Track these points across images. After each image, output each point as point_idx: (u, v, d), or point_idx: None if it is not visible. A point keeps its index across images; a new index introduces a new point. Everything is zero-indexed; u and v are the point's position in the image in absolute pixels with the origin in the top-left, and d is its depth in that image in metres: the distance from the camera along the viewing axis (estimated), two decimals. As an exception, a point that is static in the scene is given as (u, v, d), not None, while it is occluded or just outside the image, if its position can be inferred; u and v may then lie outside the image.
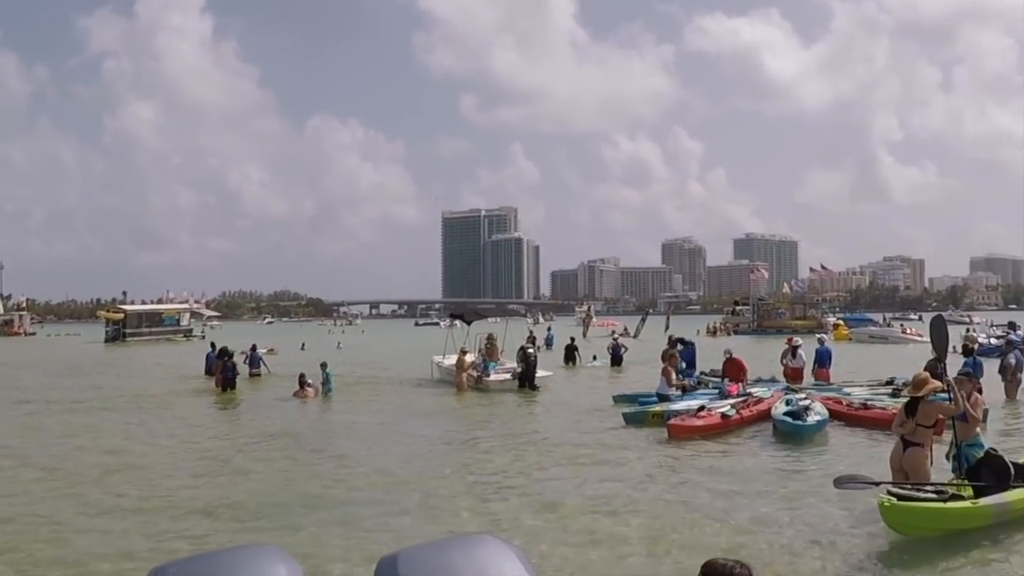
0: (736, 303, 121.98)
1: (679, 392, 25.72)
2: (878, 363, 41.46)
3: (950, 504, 11.93)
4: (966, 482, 12.79)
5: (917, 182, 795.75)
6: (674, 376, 25.83)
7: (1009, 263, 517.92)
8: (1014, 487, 12.45)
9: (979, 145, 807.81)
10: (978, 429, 14.19)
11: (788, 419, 20.79)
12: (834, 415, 22.45)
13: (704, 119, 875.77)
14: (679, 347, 31.89)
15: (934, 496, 12.01)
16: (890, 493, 11.89)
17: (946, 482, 12.82)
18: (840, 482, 13.02)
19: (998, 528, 12.00)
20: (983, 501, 12.12)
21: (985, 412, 16.52)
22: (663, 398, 24.76)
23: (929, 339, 16.22)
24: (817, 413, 21.44)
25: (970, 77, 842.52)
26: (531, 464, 18.20)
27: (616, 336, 57.90)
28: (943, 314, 17.96)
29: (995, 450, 13.27)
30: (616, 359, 46.48)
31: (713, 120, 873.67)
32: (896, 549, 11.49)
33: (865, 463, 16.63)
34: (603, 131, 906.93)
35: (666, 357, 26.87)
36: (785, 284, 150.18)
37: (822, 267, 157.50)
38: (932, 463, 13.44)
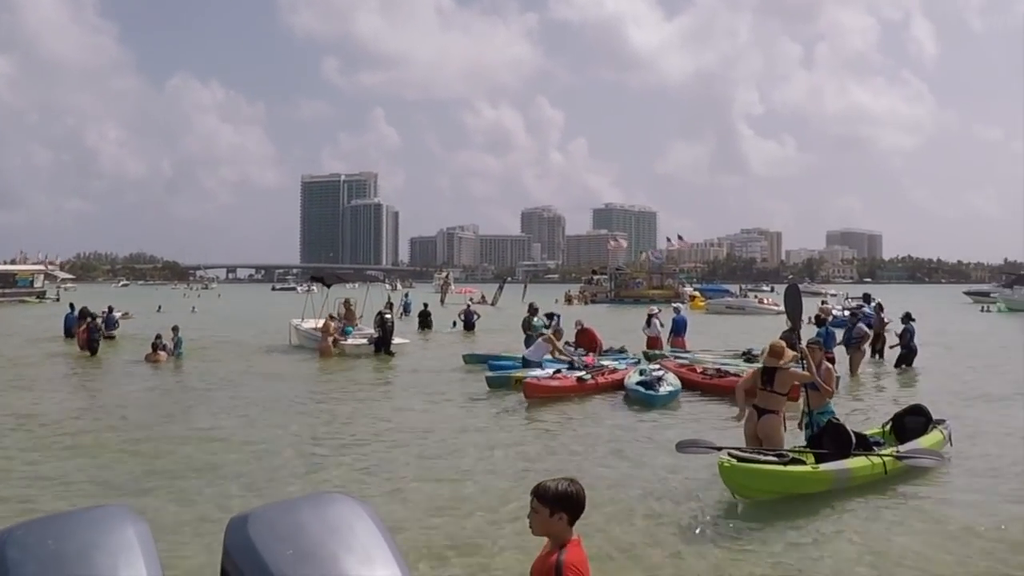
0: (594, 272, 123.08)
1: (568, 364, 24.77)
2: (735, 333, 42.28)
3: (789, 468, 12.15)
4: (809, 449, 13.10)
5: (776, 156, 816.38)
6: (560, 346, 25.79)
7: (865, 237, 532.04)
8: (856, 455, 12.83)
9: (838, 121, 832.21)
10: (829, 399, 14.37)
11: (641, 388, 21.12)
12: (689, 384, 22.86)
13: (567, 88, 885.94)
14: (554, 320, 31.94)
15: (774, 459, 12.20)
16: (731, 455, 12.07)
17: (789, 448, 13.06)
18: (682, 446, 13.21)
19: (838, 494, 12.25)
20: (823, 466, 12.44)
21: (836, 380, 16.82)
22: (528, 363, 24.67)
23: (784, 309, 16.41)
24: (669, 384, 21.71)
25: (831, 54, 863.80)
26: (387, 428, 18.19)
27: (470, 302, 57.93)
28: (799, 284, 18.17)
29: (837, 419, 13.60)
30: (469, 325, 47.69)
31: (576, 90, 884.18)
32: (734, 510, 11.71)
33: (717, 429, 16.91)
34: (465, 98, 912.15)
35: (527, 325, 27.30)
36: (644, 254, 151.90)
37: (679, 238, 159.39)
38: (786, 429, 13.62)
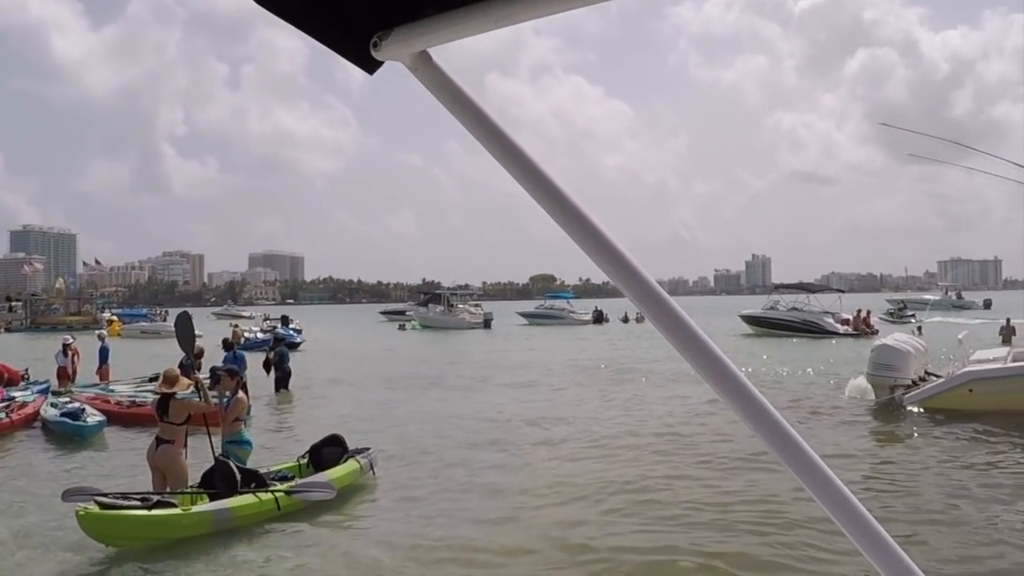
0: (9, 299, 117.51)
1: None
2: (148, 358, 41.62)
3: (154, 512, 11.64)
4: (202, 490, 12.82)
5: (199, 177, 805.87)
6: None
7: (287, 259, 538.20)
8: (243, 493, 12.69)
9: (262, 143, 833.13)
10: (242, 425, 14.36)
11: (68, 420, 20.40)
12: (108, 415, 21.85)
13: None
14: None
15: (138, 504, 11.77)
16: (96, 502, 11.49)
17: (185, 490, 12.70)
18: (68, 495, 12.40)
19: (237, 532, 12.18)
20: (196, 508, 12.16)
21: (249, 409, 16.99)
22: None
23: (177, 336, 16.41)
24: (93, 414, 21.12)
25: (258, 76, 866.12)
26: None
27: None
28: (188, 312, 17.98)
29: (226, 456, 13.38)
30: None
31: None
32: (107, 561, 11.25)
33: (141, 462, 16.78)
34: None
35: None
36: (58, 279, 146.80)
37: (97, 262, 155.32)
38: (187, 459, 13.19)
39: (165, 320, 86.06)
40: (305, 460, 15.52)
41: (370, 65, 1.54)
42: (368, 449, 16.00)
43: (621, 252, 1.42)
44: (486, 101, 1.47)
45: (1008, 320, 41.63)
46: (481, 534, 12.42)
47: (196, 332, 15.93)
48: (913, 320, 63.96)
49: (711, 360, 1.40)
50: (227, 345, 26.15)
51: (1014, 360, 22.80)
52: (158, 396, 13.35)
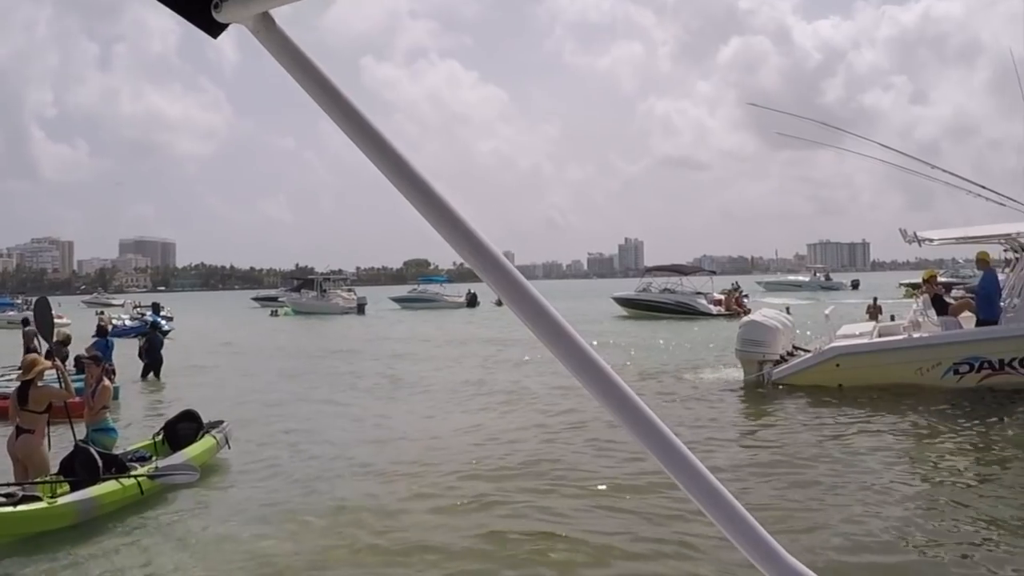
0: None
1: None
2: (13, 348, 40.66)
3: (20, 508, 11.09)
4: (61, 478, 12.36)
5: (68, 160, 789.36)
6: None
7: (159, 245, 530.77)
8: (106, 479, 12.35)
9: (133, 125, 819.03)
10: (108, 413, 13.97)
11: None
12: None
13: None
14: None
15: (3, 500, 11.20)
16: None
17: (45, 479, 12.25)
18: None
19: (102, 520, 11.83)
20: (62, 500, 11.60)
21: (116, 390, 16.60)
22: None
23: (35, 322, 16.00)
24: None
25: (130, 56, 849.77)
26: None
27: None
28: (46, 298, 17.42)
29: (85, 442, 12.95)
30: None
31: None
32: None
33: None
34: None
35: None
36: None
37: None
38: (51, 449, 12.93)
39: (30, 309, 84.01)
40: (160, 437, 15.30)
41: (213, 28, 1.46)
42: (223, 423, 15.94)
43: (474, 232, 1.38)
44: (329, 67, 1.40)
45: (875, 299, 42.77)
46: (349, 507, 12.47)
47: (65, 320, 15.65)
48: (747, 300, 65.07)
49: (566, 342, 1.37)
50: (101, 331, 25.69)
51: (880, 336, 23.31)
52: (19, 384, 12.90)
